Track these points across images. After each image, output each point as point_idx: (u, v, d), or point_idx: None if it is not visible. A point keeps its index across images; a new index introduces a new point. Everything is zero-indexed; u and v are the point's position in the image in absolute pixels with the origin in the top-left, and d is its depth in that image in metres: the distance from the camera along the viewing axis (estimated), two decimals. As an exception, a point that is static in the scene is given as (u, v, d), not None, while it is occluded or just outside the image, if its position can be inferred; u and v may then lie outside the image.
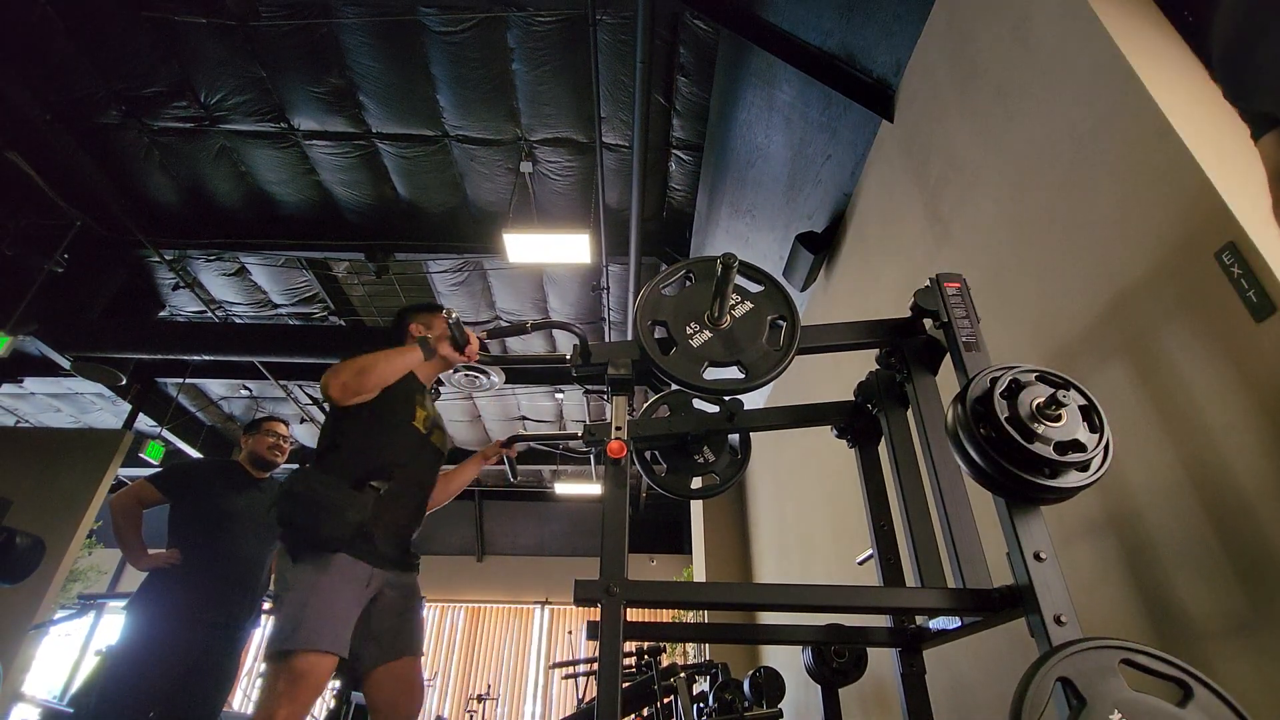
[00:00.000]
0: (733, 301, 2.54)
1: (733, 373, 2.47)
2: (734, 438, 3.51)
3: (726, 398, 3.25)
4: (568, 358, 2.79)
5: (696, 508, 11.81)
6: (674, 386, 2.61)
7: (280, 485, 2.85)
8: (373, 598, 2.88)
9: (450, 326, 3.07)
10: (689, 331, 2.49)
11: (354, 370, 2.94)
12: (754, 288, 2.62)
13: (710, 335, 2.49)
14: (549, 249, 7.54)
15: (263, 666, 2.60)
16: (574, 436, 3.44)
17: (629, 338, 9.37)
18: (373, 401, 3.00)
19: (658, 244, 8.71)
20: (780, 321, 2.55)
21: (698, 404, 3.59)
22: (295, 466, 15.66)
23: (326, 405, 2.99)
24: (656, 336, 2.53)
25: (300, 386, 12.80)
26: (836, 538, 5.95)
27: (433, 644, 16.22)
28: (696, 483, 3.43)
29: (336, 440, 2.97)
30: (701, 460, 3.41)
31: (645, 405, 3.57)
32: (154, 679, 4.05)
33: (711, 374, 2.44)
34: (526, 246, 7.50)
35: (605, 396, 3.14)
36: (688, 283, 2.64)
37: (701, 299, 2.53)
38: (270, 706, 2.47)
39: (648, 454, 3.53)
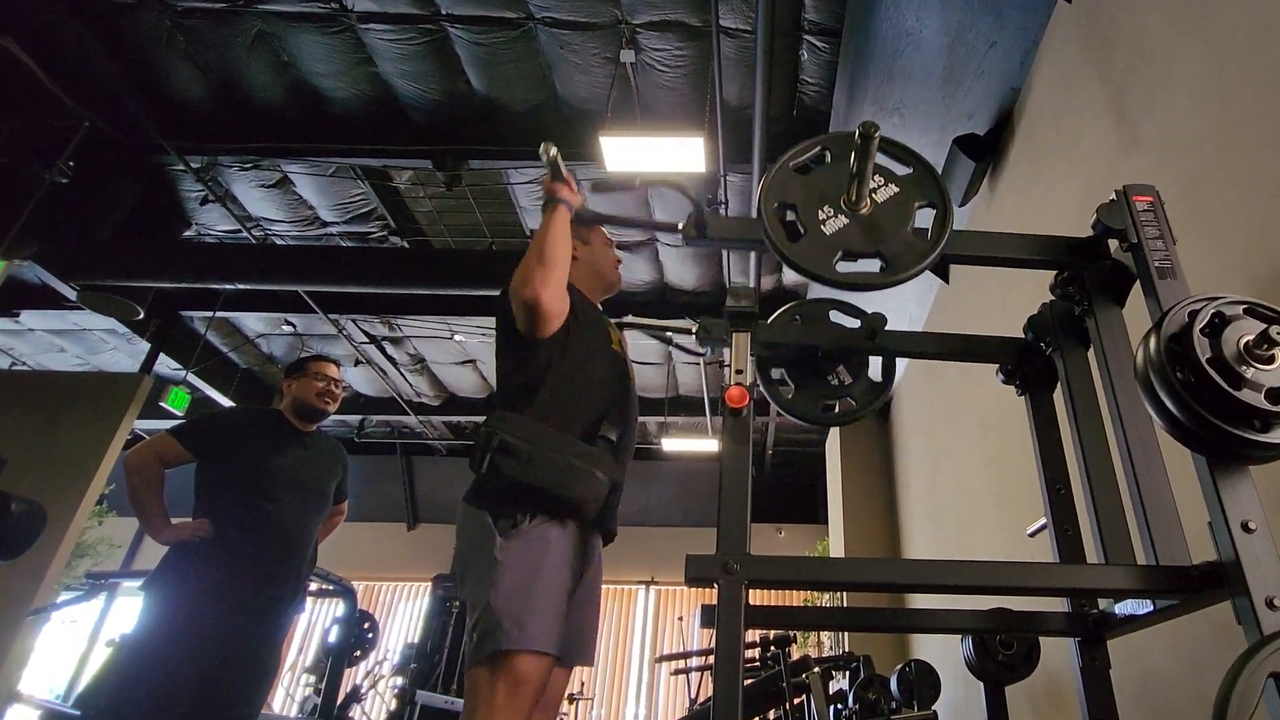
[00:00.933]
0: (874, 185, 2.53)
1: (872, 266, 2.47)
2: (876, 370, 3.48)
3: (869, 311, 3.21)
4: (680, 226, 2.81)
5: (833, 468, 11.81)
6: (807, 295, 2.61)
7: (480, 434, 2.70)
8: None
9: (549, 162, 2.97)
10: (821, 216, 2.47)
11: (544, 270, 2.80)
12: (900, 170, 2.60)
13: (846, 221, 2.47)
14: (655, 155, 7.46)
15: (474, 671, 2.47)
16: (685, 330, 3.35)
17: (750, 261, 9.33)
18: (565, 321, 2.91)
19: (786, 149, 8.48)
20: (930, 208, 2.54)
21: (836, 318, 3.55)
22: (359, 417, 16.04)
23: (506, 333, 2.99)
24: (786, 220, 2.51)
25: (354, 321, 12.72)
26: (1002, 504, 5.93)
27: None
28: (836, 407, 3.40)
29: (534, 376, 2.85)
30: (835, 381, 3.33)
31: (772, 317, 3.53)
32: (178, 675, 3.93)
33: (846, 269, 2.43)
34: (628, 152, 7.43)
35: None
36: (825, 159, 2.63)
37: (837, 181, 2.51)
38: None
39: (774, 375, 3.51)
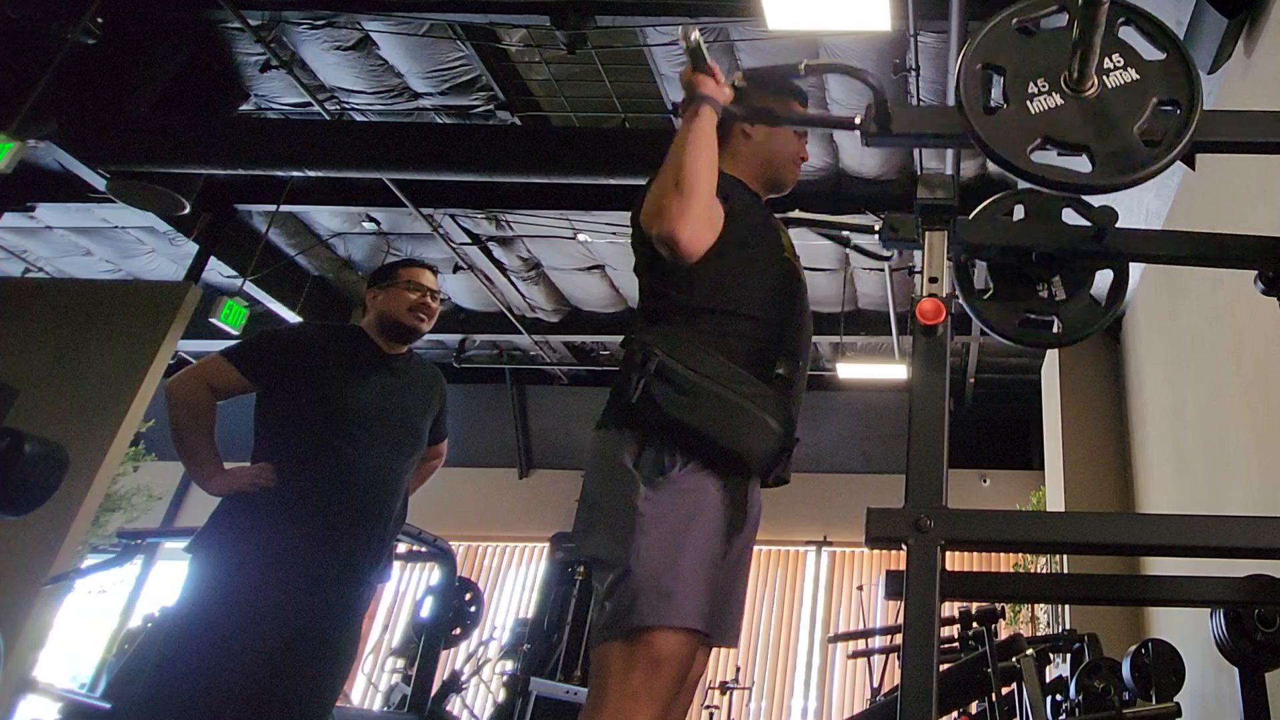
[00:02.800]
0: (1110, 65, 2.47)
1: (1077, 164, 2.43)
2: (1102, 286, 3.40)
3: (1096, 203, 3.13)
4: (857, 121, 2.79)
5: (1051, 402, 11.71)
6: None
7: (633, 349, 2.65)
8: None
9: (689, 49, 2.80)
10: (1032, 90, 2.43)
11: (681, 200, 2.66)
12: (1151, 54, 2.53)
13: (1060, 102, 2.42)
14: (829, 11, 7.33)
15: (605, 648, 2.46)
16: (867, 229, 3.33)
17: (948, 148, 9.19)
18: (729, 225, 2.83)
19: (991, 1, 8.28)
20: (1169, 108, 2.46)
21: (1069, 217, 3.45)
22: (459, 337, 16.19)
23: (644, 253, 2.90)
24: (989, 88, 2.49)
25: (452, 216, 12.53)
26: (1262, 446, 5.85)
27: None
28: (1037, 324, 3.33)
29: (694, 293, 2.81)
30: (1045, 294, 3.24)
31: (982, 205, 3.45)
32: (232, 659, 3.77)
33: (1047, 160, 2.40)
34: (795, 5, 7.25)
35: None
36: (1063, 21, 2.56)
37: (1062, 50, 2.44)
38: (626, 710, 2.36)
39: (974, 271, 3.44)
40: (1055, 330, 3.23)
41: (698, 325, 2.75)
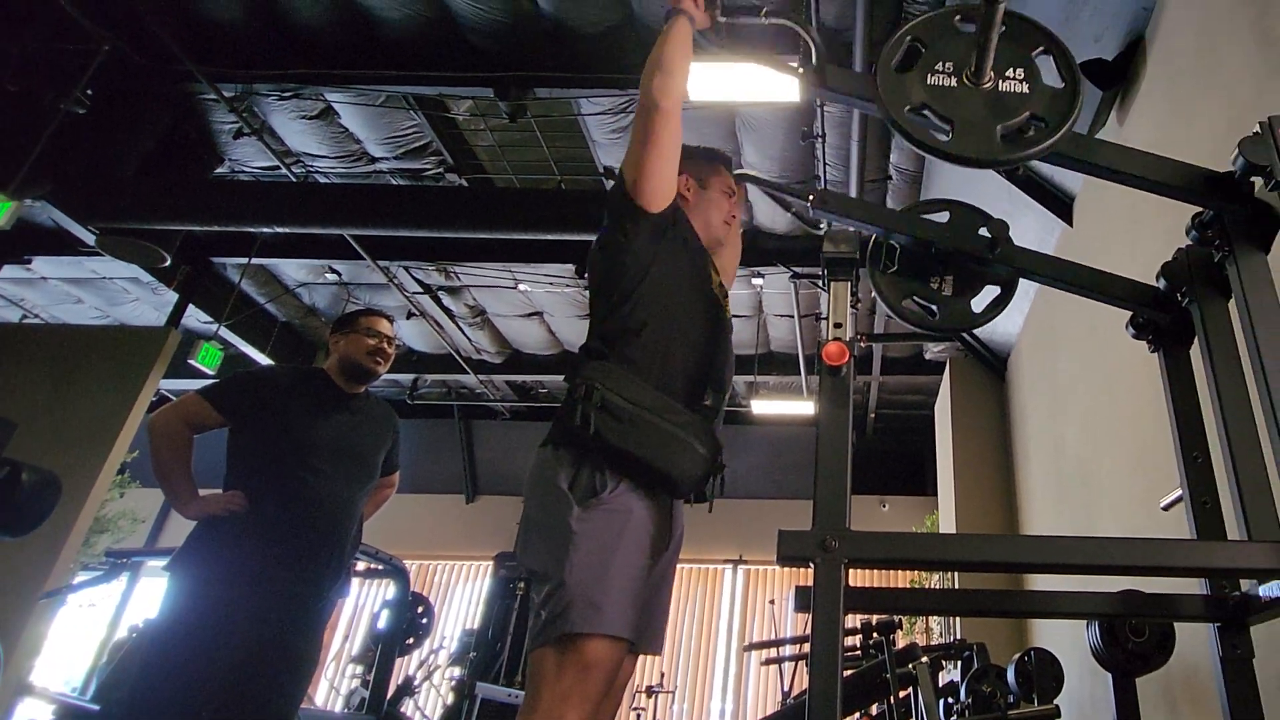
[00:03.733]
0: (1012, 76, 2.59)
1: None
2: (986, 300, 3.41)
3: (992, 218, 3.15)
4: (797, 67, 2.93)
5: (943, 435, 11.78)
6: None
7: (577, 384, 2.71)
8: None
9: None
10: (938, 68, 2.57)
11: (662, 77, 3.00)
12: (1051, 80, 2.63)
13: (954, 84, 2.56)
14: (744, 83, 7.43)
15: (540, 652, 2.49)
16: (803, 196, 3.25)
17: (851, 193, 9.25)
18: (664, 243, 2.99)
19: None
20: (1040, 123, 2.56)
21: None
22: (412, 376, 16.18)
23: (614, 223, 3.01)
24: (903, 57, 2.63)
25: (406, 268, 12.61)
26: (1133, 474, 5.90)
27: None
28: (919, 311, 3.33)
29: (630, 313, 2.89)
30: (935, 285, 3.27)
31: (925, 199, 3.48)
32: (206, 667, 3.88)
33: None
34: (713, 80, 7.37)
35: (820, 283, 3.11)
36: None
37: (971, 50, 2.56)
38: (557, 710, 2.40)
39: (884, 254, 3.44)
40: (934, 318, 3.25)
41: (635, 360, 2.80)
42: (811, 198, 2.91)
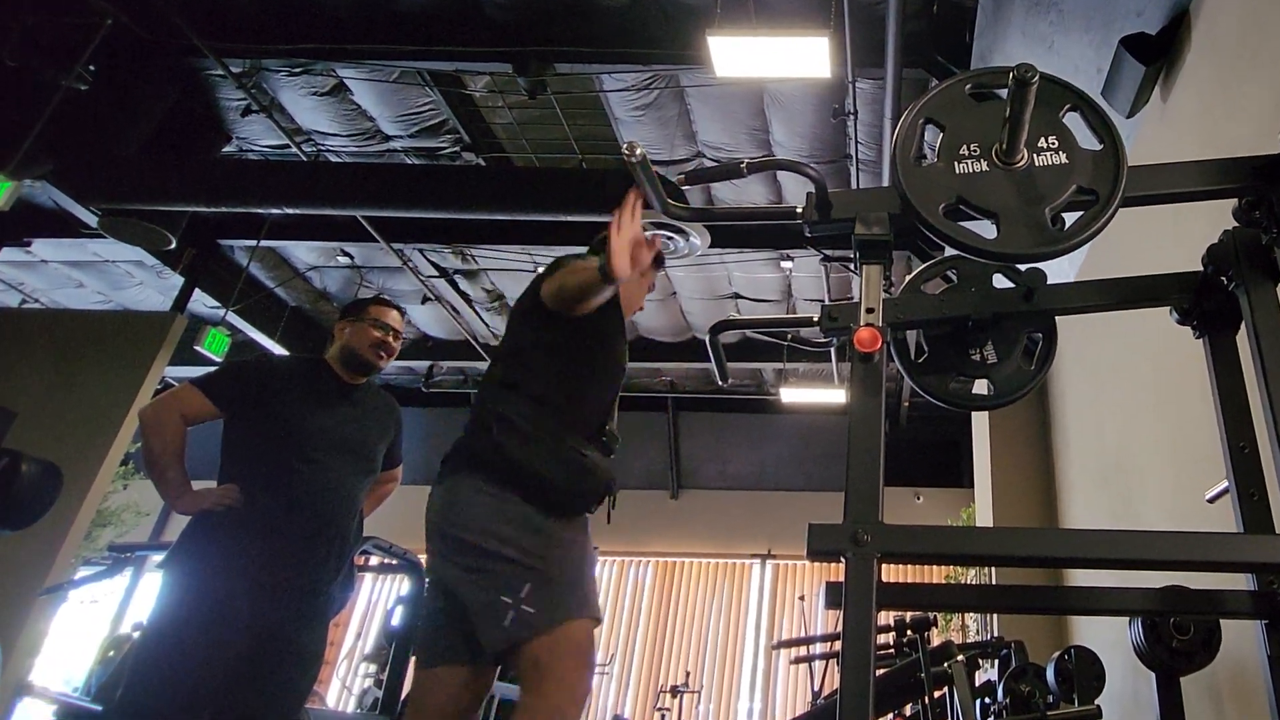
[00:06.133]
0: (1045, 146, 2.50)
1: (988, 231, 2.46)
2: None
3: (1023, 267, 3.12)
4: (799, 211, 2.76)
5: (980, 424, 11.74)
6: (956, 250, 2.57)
7: (490, 416, 3.26)
8: None
9: (635, 167, 2.61)
10: (963, 152, 2.49)
11: (581, 306, 3.38)
12: (1089, 142, 2.55)
13: (985, 168, 2.47)
14: (772, 58, 7.41)
15: (539, 644, 2.97)
16: (808, 322, 3.28)
17: (884, 182, 9.27)
18: (591, 332, 3.52)
19: (925, 51, 8.44)
20: (1089, 196, 2.48)
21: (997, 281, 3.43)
22: (427, 364, 16.10)
23: (530, 310, 3.63)
24: (921, 136, 2.54)
25: (421, 251, 12.68)
26: (1177, 465, 5.88)
27: (610, 614, 16.44)
28: (970, 387, 3.38)
29: (552, 372, 3.44)
30: (977, 358, 3.22)
31: (913, 273, 3.46)
32: (207, 663, 3.86)
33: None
34: (741, 54, 7.36)
35: (852, 266, 3.10)
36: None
37: (995, 122, 2.49)
38: (577, 685, 2.98)
39: (911, 343, 3.44)
40: (992, 392, 3.24)
41: (553, 395, 3.39)
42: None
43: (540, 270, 3.72)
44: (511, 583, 3.01)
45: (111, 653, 7.74)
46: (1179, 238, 5.14)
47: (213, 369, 4.60)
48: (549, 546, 3.10)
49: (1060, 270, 8.46)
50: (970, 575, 10.46)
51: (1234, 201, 2.74)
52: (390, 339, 4.66)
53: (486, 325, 14.85)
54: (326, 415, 4.47)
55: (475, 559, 3.10)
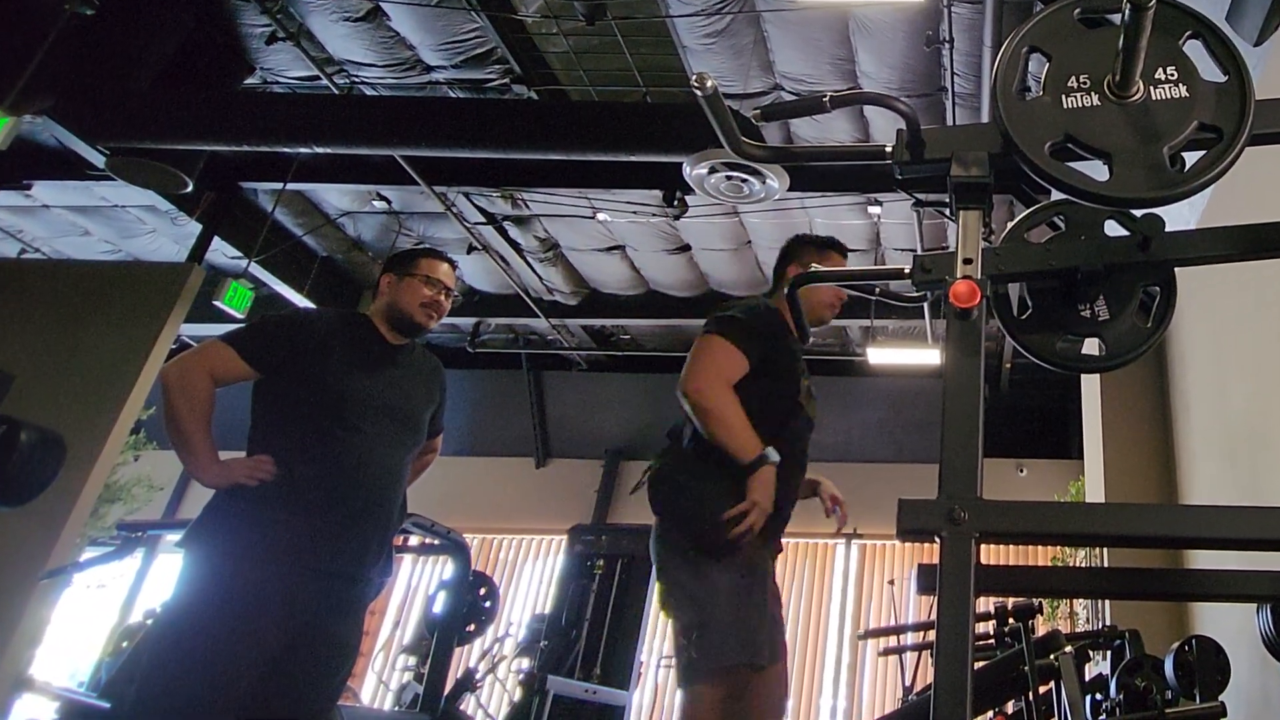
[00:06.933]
0: (1164, 77, 2.45)
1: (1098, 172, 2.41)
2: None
3: (1138, 212, 3.04)
4: (888, 150, 2.74)
5: (1090, 388, 11.66)
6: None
7: (658, 466, 3.74)
8: None
9: (705, 101, 2.51)
10: (1070, 84, 2.43)
11: (711, 407, 3.89)
12: (1212, 74, 2.49)
13: (1097, 102, 2.42)
14: (859, -18, 7.33)
15: (692, 687, 3.41)
16: (898, 274, 3.11)
17: (983, 118, 9.18)
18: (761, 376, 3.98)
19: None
20: (1211, 134, 2.42)
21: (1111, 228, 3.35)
22: (474, 321, 16.12)
23: None
24: (1025, 68, 2.50)
25: (466, 195, 12.54)
26: (1314, 434, 5.82)
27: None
28: (1079, 347, 3.31)
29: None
30: (1087, 314, 3.13)
31: (1015, 220, 3.40)
32: (234, 658, 3.75)
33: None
34: (826, -23, 7.28)
35: (948, 212, 3.03)
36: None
37: (1107, 51, 2.42)
38: None
39: (1014, 298, 3.37)
40: (1104, 353, 3.16)
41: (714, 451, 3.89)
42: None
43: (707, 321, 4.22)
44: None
45: (125, 644, 7.64)
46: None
47: (245, 325, 4.48)
48: (712, 591, 3.72)
49: (1180, 216, 8.36)
50: (1079, 557, 10.41)
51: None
52: (442, 297, 4.55)
53: (539, 278, 14.73)
54: (370, 379, 4.36)
55: None
